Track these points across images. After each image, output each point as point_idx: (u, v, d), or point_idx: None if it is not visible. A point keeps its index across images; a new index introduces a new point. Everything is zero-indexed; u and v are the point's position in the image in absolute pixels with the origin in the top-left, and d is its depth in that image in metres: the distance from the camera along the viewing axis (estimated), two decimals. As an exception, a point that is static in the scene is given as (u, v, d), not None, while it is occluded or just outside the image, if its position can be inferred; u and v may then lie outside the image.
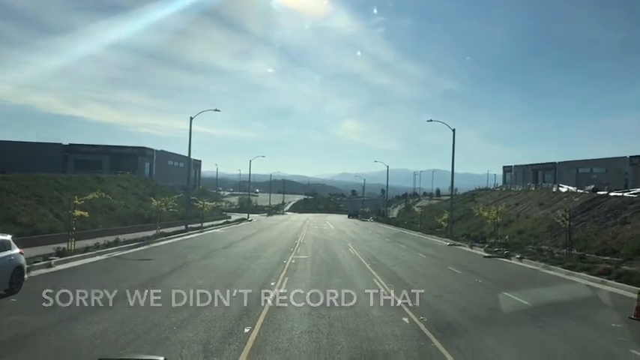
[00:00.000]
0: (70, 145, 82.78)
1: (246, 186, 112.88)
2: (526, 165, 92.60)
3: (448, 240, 44.32)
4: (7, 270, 14.05)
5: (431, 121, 50.81)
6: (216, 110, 48.27)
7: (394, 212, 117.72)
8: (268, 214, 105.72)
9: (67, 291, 15.34)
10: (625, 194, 40.47)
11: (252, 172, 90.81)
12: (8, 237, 15.13)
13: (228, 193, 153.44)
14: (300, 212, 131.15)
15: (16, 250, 14.90)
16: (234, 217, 76.24)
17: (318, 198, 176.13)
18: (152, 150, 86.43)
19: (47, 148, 78.64)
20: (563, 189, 54.62)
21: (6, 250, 14.38)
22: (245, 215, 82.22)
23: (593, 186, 50.12)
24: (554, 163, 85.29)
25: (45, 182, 37.76)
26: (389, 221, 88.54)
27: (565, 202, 45.10)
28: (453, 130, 48.44)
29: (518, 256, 30.19)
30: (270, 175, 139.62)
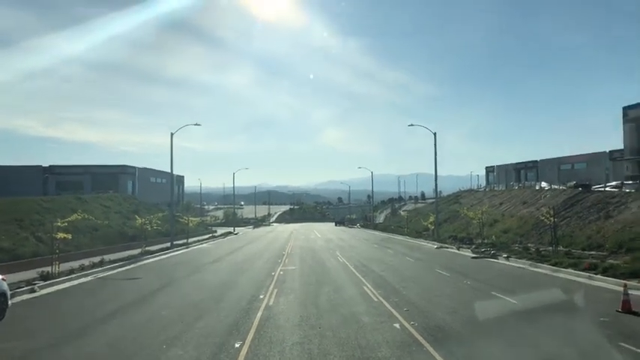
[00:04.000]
0: (50, 166, 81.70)
1: (230, 199, 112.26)
2: (508, 164, 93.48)
3: (435, 243, 44.48)
4: (-11, 297, 13.77)
5: (412, 125, 51.13)
6: (196, 125, 48.01)
7: (381, 217, 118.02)
8: (254, 227, 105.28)
9: (52, 315, 15.13)
10: (607, 189, 41.01)
11: (236, 185, 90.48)
12: (-11, 263, 14.85)
13: (213, 207, 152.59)
14: (286, 222, 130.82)
15: (-1, 277, 14.61)
16: (220, 231, 75.79)
17: (304, 207, 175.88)
18: (134, 168, 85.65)
19: (27, 171, 77.51)
20: (546, 186, 55.20)
21: (-12, 277, 14.10)
22: (231, 229, 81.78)
23: (575, 182, 50.73)
24: (536, 161, 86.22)
25: (25, 206, 37.20)
26: (376, 227, 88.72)
27: (548, 200, 45.57)
28: (434, 134, 48.83)
29: (505, 255, 30.39)
30: (255, 186, 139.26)
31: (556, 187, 51.93)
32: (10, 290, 15.62)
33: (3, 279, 14.83)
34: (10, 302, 14.96)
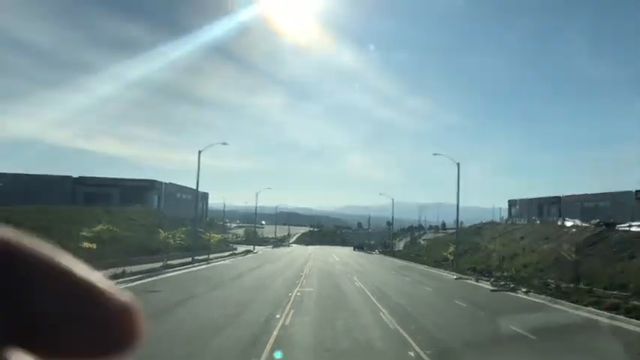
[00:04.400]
0: (80, 177, 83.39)
1: (252, 218, 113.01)
2: (531, 199, 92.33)
3: (454, 273, 44.11)
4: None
5: (436, 154, 51.22)
6: (223, 144, 48.98)
7: (400, 245, 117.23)
8: (274, 246, 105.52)
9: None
10: (631, 229, 40.37)
11: (258, 204, 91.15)
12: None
13: (235, 225, 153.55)
14: (305, 244, 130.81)
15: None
16: (240, 248, 76.20)
17: (324, 230, 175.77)
18: (160, 183, 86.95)
19: (57, 181, 79.21)
20: (569, 223, 54.48)
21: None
22: (251, 247, 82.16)
23: (598, 220, 50.00)
24: (559, 197, 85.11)
25: (54, 215, 38.16)
26: (395, 254, 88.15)
27: (570, 236, 45.01)
28: (458, 164, 48.81)
29: (524, 289, 30.07)
30: (276, 207, 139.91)
31: (579, 223, 51.25)
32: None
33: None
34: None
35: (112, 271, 27.98)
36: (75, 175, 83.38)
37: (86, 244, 24.47)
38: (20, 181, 73.95)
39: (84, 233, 24.93)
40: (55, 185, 76.46)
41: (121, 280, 26.77)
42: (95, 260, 30.63)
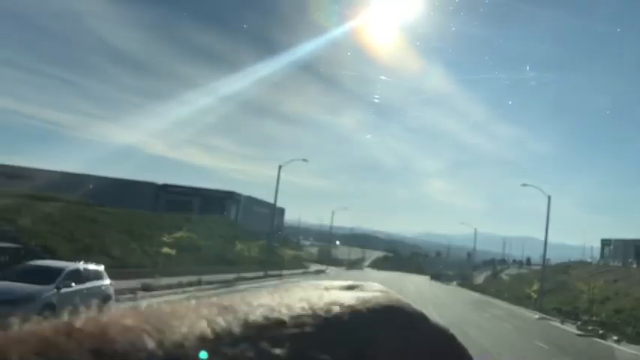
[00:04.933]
0: (164, 185, 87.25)
1: (326, 237, 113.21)
2: (628, 240, 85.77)
3: (537, 313, 41.50)
4: (97, 298, 14.76)
5: (525, 185, 48.84)
6: (304, 160, 49.43)
7: (480, 278, 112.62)
8: (347, 268, 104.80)
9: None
10: None
11: (333, 224, 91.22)
12: (101, 267, 15.98)
13: (309, 242, 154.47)
14: (379, 269, 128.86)
15: (107, 281, 15.67)
16: (313, 267, 76.27)
17: (399, 256, 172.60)
18: (240, 195, 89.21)
19: (142, 187, 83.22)
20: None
21: (98, 280, 15.16)
22: (324, 267, 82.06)
23: None
24: (660, 239, 78.37)
25: (138, 218, 39.90)
26: (474, 287, 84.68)
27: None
28: (549, 197, 46.18)
29: (615, 337, 27.62)
30: (352, 228, 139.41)
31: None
32: (115, 295, 16.68)
33: (110, 284, 15.89)
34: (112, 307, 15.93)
35: (188, 278, 28.66)
36: (159, 182, 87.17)
37: (166, 250, 25.21)
38: (110, 185, 78.54)
39: (164, 239, 25.69)
40: (140, 190, 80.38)
41: (196, 288, 27.31)
42: (174, 266, 31.64)
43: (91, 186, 67.94)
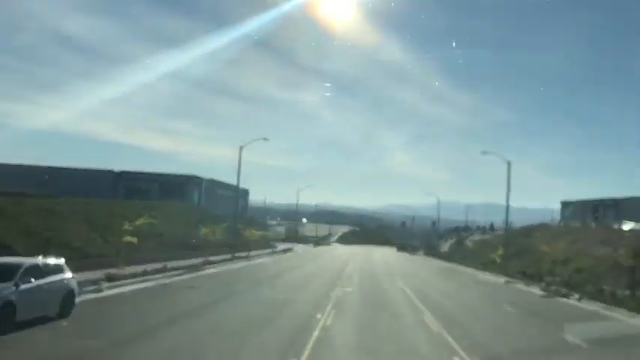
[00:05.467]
0: (121, 172, 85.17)
1: (293, 215, 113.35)
2: (586, 200, 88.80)
3: (502, 277, 42.69)
4: (59, 293, 14.28)
5: (485, 153, 49.66)
6: (265, 140, 48.90)
7: (445, 246, 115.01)
8: (315, 245, 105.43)
9: (115, 316, 15.53)
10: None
11: (299, 202, 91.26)
12: (62, 260, 15.42)
13: (275, 222, 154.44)
14: (347, 243, 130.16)
15: (69, 274, 15.15)
16: (281, 246, 76.36)
17: (366, 229, 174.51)
18: (201, 178, 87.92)
19: (99, 175, 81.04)
20: (627, 226, 51.95)
21: (59, 274, 14.64)
22: (291, 245, 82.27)
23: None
24: (617, 199, 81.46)
25: (96, 208, 38.80)
26: (440, 255, 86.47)
27: (628, 240, 42.77)
28: (508, 163, 47.16)
29: (576, 295, 28.64)
30: (317, 205, 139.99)
31: (638, 227, 48.77)
32: (78, 288, 16.19)
33: (72, 277, 15.38)
34: (76, 300, 15.47)
35: (153, 265, 28.17)
36: (117, 169, 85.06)
37: (128, 238, 24.60)
38: (65, 175, 76.17)
39: (126, 227, 25.08)
40: (97, 179, 78.29)
41: (162, 275, 26.87)
42: (137, 254, 30.97)
43: (46, 177, 65.79)
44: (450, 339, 14.09)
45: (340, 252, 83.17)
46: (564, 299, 28.73)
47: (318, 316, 17.17)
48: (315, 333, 13.88)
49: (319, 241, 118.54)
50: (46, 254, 16.14)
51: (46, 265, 14.30)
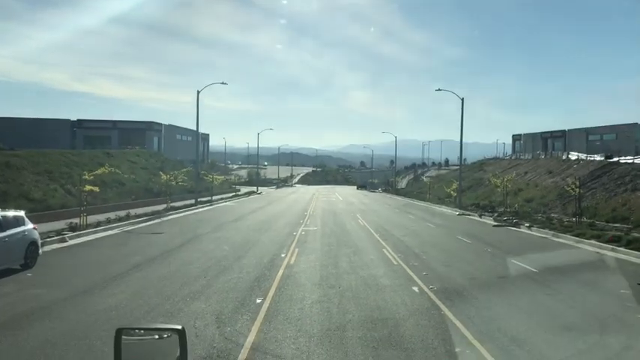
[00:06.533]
0: (79, 120, 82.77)
1: (254, 159, 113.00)
2: (535, 133, 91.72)
3: (457, 210, 44.35)
4: (21, 245, 14.29)
5: (439, 90, 50.22)
6: (223, 83, 47.98)
7: (403, 183, 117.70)
8: (277, 187, 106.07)
9: (80, 265, 15.68)
10: (636, 161, 40.12)
11: (260, 145, 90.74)
12: (22, 213, 15.33)
13: (237, 166, 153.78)
14: (308, 184, 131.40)
15: (30, 226, 15.11)
16: (244, 190, 76.59)
17: (327, 170, 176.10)
18: (160, 124, 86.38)
19: (56, 124, 78.69)
20: (573, 157, 54.25)
21: (20, 226, 14.59)
22: (254, 188, 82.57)
23: (602, 154, 49.71)
24: (564, 130, 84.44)
25: (55, 158, 38.00)
26: (398, 192, 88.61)
27: (575, 170, 44.86)
28: (462, 100, 47.97)
29: (527, 224, 30.20)
30: (279, 147, 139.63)
31: (584, 157, 51.00)
32: (41, 239, 16.18)
33: (34, 228, 15.34)
34: (40, 251, 15.52)
35: (116, 213, 28.11)
36: (73, 118, 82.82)
37: (89, 188, 24.34)
38: (19, 126, 73.52)
39: (85, 177, 24.75)
40: (54, 129, 76.06)
41: (126, 222, 26.91)
42: (99, 203, 30.78)
43: (-1, 128, 63.33)
44: (408, 271, 14.91)
45: (302, 192, 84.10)
46: (515, 228, 30.28)
47: (283, 255, 17.74)
48: (280, 271, 14.44)
49: (281, 183, 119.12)
50: (5, 207, 15.99)
51: (6, 218, 14.21)
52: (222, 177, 68.70)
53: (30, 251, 14.63)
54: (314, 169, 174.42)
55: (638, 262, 17.57)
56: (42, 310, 9.99)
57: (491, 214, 37.62)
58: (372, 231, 26.84)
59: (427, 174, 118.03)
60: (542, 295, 12.07)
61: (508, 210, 38.24)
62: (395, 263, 16.38)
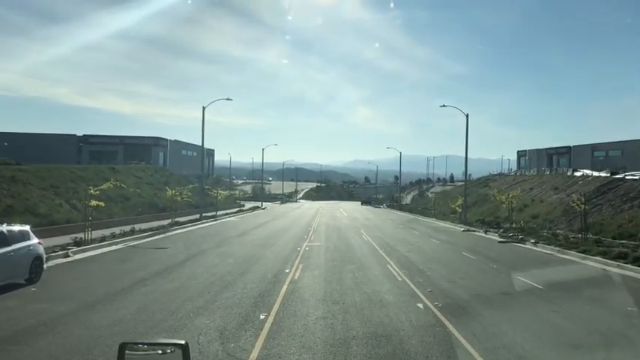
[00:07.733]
0: (85, 136, 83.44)
1: (259, 174, 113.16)
2: (540, 149, 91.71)
3: (462, 226, 44.17)
4: (26, 260, 14.32)
5: (444, 106, 50.37)
6: (228, 99, 48.37)
7: (408, 199, 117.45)
8: (281, 202, 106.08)
9: (84, 280, 15.68)
10: (641, 177, 39.93)
11: (265, 161, 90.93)
12: (27, 227, 15.39)
13: (242, 181, 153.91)
14: (313, 200, 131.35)
15: (35, 241, 15.15)
16: (248, 205, 76.65)
17: (331, 185, 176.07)
18: (166, 140, 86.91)
19: (62, 140, 79.34)
20: (579, 173, 54.09)
21: (25, 241, 14.63)
22: (259, 203, 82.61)
23: (608, 169, 49.57)
24: (569, 146, 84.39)
25: (61, 173, 38.20)
26: (402, 208, 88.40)
27: (580, 186, 44.68)
28: (467, 115, 48.09)
29: (532, 240, 30.03)
30: (283, 163, 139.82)
31: (589, 173, 50.85)
32: (46, 254, 16.22)
33: (39, 243, 15.38)
34: (45, 266, 15.55)
35: (121, 228, 28.15)
36: (79, 132, 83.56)
37: (94, 203, 24.43)
38: (26, 141, 74.12)
39: (91, 191, 24.86)
40: (60, 144, 76.63)
41: (131, 237, 26.94)
42: (104, 218, 30.85)
43: (5, 144, 63.84)
44: (413, 287, 14.83)
45: (307, 208, 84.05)
46: (521, 244, 30.10)
47: (287, 270, 17.70)
48: (284, 287, 14.40)
49: (286, 198, 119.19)
50: (10, 222, 16.07)
51: (11, 232, 14.27)
52: (227, 192, 68.83)
53: (35, 266, 14.65)
54: (318, 184, 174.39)
55: (644, 279, 17.43)
56: (46, 324, 9.98)
57: (496, 230, 37.44)
58: (377, 247, 26.76)
59: (432, 190, 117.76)
60: (548, 312, 11.97)
61: (514, 226, 38.07)
62: (399, 279, 16.31)
